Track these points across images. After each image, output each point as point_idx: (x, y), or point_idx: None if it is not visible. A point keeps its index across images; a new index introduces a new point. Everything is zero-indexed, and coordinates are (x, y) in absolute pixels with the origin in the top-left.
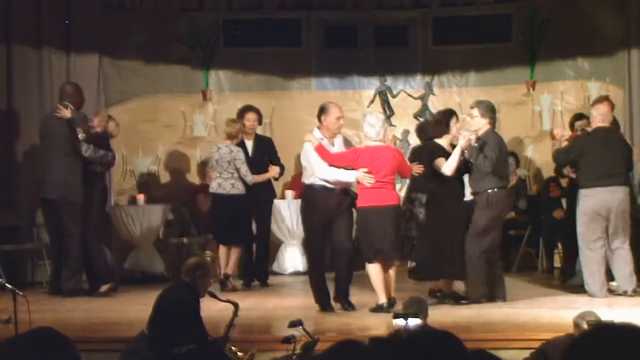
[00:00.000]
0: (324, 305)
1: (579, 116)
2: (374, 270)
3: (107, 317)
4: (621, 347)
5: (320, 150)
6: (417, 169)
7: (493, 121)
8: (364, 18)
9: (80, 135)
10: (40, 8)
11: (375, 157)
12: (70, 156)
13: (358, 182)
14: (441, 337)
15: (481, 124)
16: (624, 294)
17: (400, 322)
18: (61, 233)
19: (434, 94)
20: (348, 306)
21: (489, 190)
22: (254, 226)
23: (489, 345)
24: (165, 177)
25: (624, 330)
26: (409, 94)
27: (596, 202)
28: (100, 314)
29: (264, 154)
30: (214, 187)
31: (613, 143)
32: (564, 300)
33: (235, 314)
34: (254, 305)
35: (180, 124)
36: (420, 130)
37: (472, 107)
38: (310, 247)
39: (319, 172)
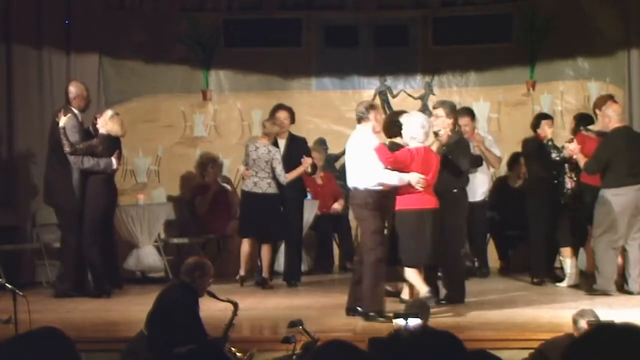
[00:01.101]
0: (379, 312)
1: (584, 116)
2: (411, 272)
3: (107, 317)
4: (622, 347)
5: (382, 150)
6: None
7: (456, 121)
8: (364, 18)
9: (65, 149)
10: (40, 8)
11: (426, 159)
12: (62, 162)
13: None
14: (441, 337)
15: (446, 124)
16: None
17: (400, 322)
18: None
19: (434, 94)
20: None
21: (455, 191)
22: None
23: (488, 345)
24: (165, 177)
25: (625, 331)
26: (409, 94)
27: (628, 200)
28: (100, 314)
29: (297, 153)
30: (248, 185)
31: (636, 141)
32: (564, 300)
33: (234, 313)
34: (254, 305)
35: (180, 124)
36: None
37: (435, 108)
38: (377, 254)
39: (377, 175)
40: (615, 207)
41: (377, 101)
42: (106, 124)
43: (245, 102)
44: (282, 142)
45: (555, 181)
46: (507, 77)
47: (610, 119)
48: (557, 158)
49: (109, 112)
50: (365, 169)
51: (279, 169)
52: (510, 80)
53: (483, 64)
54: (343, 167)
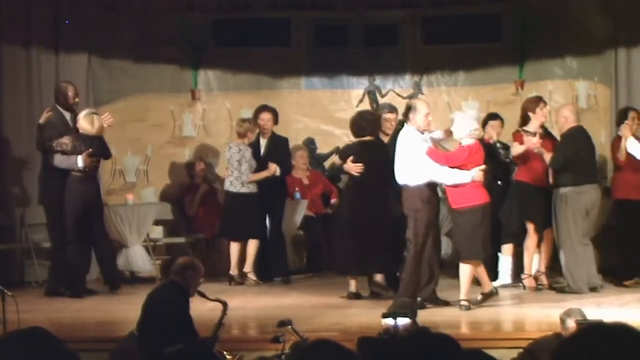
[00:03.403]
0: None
1: (493, 116)
2: (468, 269)
3: (96, 317)
4: (611, 347)
5: (434, 153)
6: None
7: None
8: (354, 17)
9: (36, 146)
10: (30, 7)
11: (481, 154)
12: (45, 160)
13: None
14: (436, 338)
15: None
16: (594, 290)
17: (389, 321)
18: None
19: (422, 94)
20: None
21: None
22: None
23: (477, 344)
24: (154, 177)
25: (614, 331)
26: (397, 93)
27: (589, 199)
28: (90, 313)
29: (276, 153)
30: (226, 185)
31: (591, 141)
32: (553, 299)
33: (224, 313)
34: (243, 304)
35: (169, 123)
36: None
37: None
38: (418, 249)
39: (433, 175)
40: (578, 205)
41: (366, 100)
42: (79, 122)
43: (234, 102)
44: (264, 142)
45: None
46: (496, 76)
47: (566, 119)
48: (507, 159)
49: (84, 111)
50: (409, 166)
51: (244, 167)
52: (499, 80)
53: (472, 63)
54: (332, 166)
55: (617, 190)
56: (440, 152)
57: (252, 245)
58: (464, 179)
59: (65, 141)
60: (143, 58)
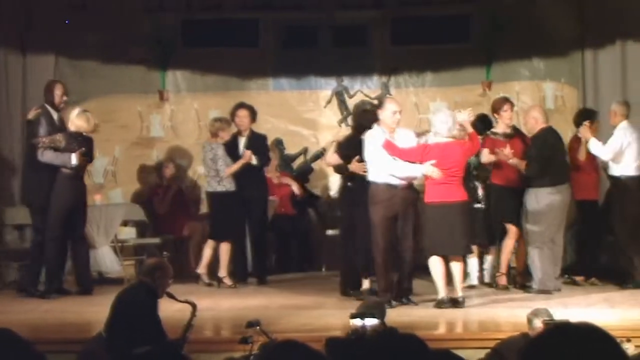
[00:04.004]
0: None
1: (483, 117)
2: (435, 263)
3: (64, 318)
4: (578, 347)
5: (389, 146)
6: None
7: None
8: (323, 18)
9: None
10: None
11: (444, 153)
12: (30, 158)
13: (426, 177)
14: (404, 338)
15: None
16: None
17: (357, 322)
18: None
19: (390, 94)
20: (408, 301)
21: None
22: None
23: (445, 344)
24: (122, 178)
25: (581, 331)
26: (365, 94)
27: (562, 199)
28: (58, 314)
29: (255, 149)
30: (205, 185)
31: (562, 142)
32: (521, 299)
33: (193, 314)
34: (211, 305)
35: (137, 124)
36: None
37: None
38: (377, 246)
39: (386, 168)
40: (553, 205)
41: (334, 101)
42: (73, 121)
43: (202, 103)
44: (242, 140)
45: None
46: (464, 77)
47: (536, 120)
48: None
49: (76, 110)
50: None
51: (219, 164)
52: (467, 81)
53: (440, 64)
54: (300, 167)
55: (576, 192)
56: (395, 146)
57: (225, 248)
58: (416, 173)
59: (59, 138)
60: (111, 58)
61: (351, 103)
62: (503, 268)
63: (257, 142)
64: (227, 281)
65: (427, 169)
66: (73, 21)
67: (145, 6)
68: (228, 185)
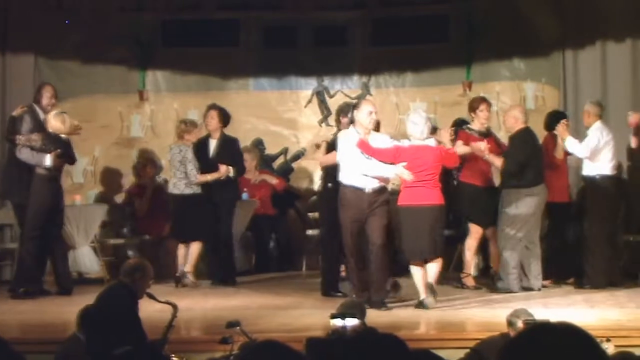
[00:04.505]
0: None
1: (461, 122)
2: (414, 269)
3: (42, 319)
4: (557, 347)
5: (363, 145)
6: None
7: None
8: (303, 18)
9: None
10: None
11: (417, 156)
12: (12, 154)
13: (402, 180)
14: (384, 338)
15: None
16: (538, 290)
17: (337, 322)
18: None
19: (371, 95)
20: (382, 306)
21: None
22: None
23: (425, 345)
24: (102, 178)
25: (560, 330)
26: (346, 94)
27: (541, 200)
28: (36, 315)
29: (227, 154)
30: (170, 187)
31: (538, 143)
32: (501, 299)
33: (174, 315)
34: (191, 305)
35: (117, 124)
36: None
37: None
38: (348, 249)
39: (358, 167)
40: (530, 207)
41: (315, 101)
42: (49, 122)
43: (182, 103)
44: (213, 142)
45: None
46: (444, 77)
47: (516, 119)
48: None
49: (53, 111)
50: (347, 162)
51: (189, 167)
52: (447, 81)
53: (420, 64)
54: (281, 167)
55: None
56: (369, 146)
57: (196, 247)
58: (388, 174)
59: (35, 138)
60: (91, 58)
61: (331, 103)
62: (468, 268)
63: (229, 147)
64: (191, 277)
65: (398, 170)
66: (52, 21)
67: (123, 6)
68: (195, 188)
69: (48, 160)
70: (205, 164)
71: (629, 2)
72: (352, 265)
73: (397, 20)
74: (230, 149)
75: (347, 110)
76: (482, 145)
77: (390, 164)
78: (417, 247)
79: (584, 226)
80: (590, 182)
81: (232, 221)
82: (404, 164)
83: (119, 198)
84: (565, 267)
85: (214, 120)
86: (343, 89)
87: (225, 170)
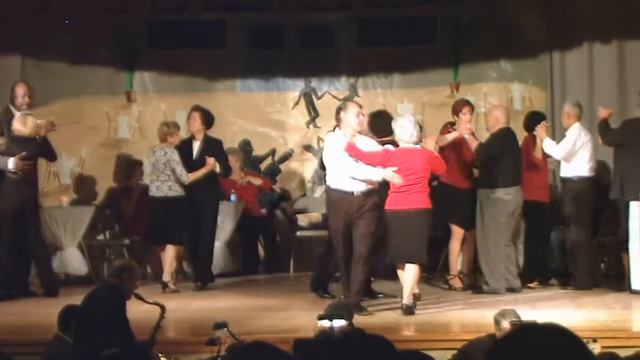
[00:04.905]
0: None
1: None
2: (401, 273)
3: (29, 320)
4: (544, 347)
5: (351, 148)
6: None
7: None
8: (290, 19)
9: None
10: None
11: (405, 159)
12: None
13: (392, 184)
14: (371, 339)
15: None
16: (512, 291)
17: (325, 323)
18: None
19: (358, 96)
20: (361, 310)
21: None
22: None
23: (413, 346)
24: (88, 179)
25: (547, 331)
26: (333, 95)
27: (518, 200)
28: (23, 316)
29: (210, 155)
30: (152, 189)
31: (518, 144)
32: (488, 300)
33: (162, 316)
34: (178, 306)
35: (104, 125)
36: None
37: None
38: (339, 254)
39: (347, 170)
40: (508, 207)
41: (302, 102)
42: (13, 124)
43: (170, 104)
44: (197, 144)
45: None
46: (431, 79)
47: (497, 119)
48: None
49: (18, 113)
50: (336, 166)
51: (179, 169)
52: (434, 82)
53: (407, 66)
54: (268, 168)
55: (526, 192)
56: (358, 149)
57: (170, 251)
58: (376, 177)
59: (0, 142)
60: (78, 60)
61: (319, 104)
62: (454, 270)
63: (213, 148)
64: (172, 285)
65: (388, 174)
66: (39, 23)
67: (109, 7)
68: (180, 190)
69: (10, 163)
70: (190, 165)
71: (614, 3)
72: (344, 271)
73: (384, 21)
74: (214, 150)
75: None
76: (467, 122)
77: (379, 167)
78: (404, 251)
79: (566, 228)
80: (567, 183)
81: (216, 222)
82: (394, 168)
83: (105, 199)
84: (546, 267)
85: (197, 122)
86: (331, 90)
87: (213, 162)
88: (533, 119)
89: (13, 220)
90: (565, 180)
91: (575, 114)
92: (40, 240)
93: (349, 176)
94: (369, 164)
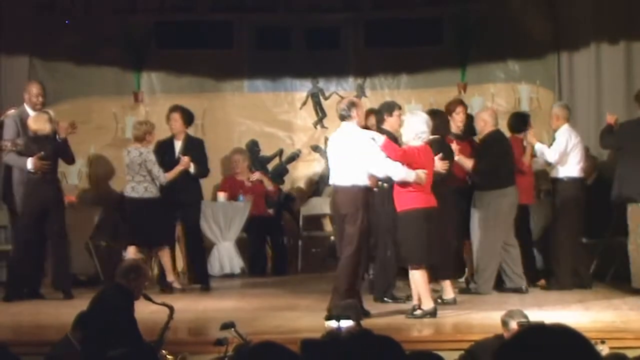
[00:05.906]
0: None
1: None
2: (419, 275)
3: (37, 320)
4: (552, 348)
5: (389, 146)
6: (443, 165)
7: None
8: (296, 20)
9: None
10: None
11: (428, 157)
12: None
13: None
14: (379, 340)
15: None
16: (519, 291)
17: (332, 324)
18: None
19: (366, 96)
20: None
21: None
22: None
23: (420, 346)
24: (96, 179)
25: (555, 332)
26: (341, 96)
27: (510, 201)
28: (31, 317)
29: (192, 155)
30: (127, 190)
31: (509, 145)
32: (495, 301)
33: (170, 317)
34: (185, 307)
35: (112, 125)
36: None
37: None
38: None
39: (387, 169)
40: (503, 208)
41: (310, 103)
42: (29, 124)
43: (178, 104)
44: (178, 144)
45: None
46: (439, 79)
47: (486, 122)
48: None
49: (35, 113)
50: (355, 164)
51: (155, 170)
52: (442, 83)
53: (414, 66)
54: (276, 168)
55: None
56: (396, 146)
57: (165, 254)
58: (410, 177)
59: (19, 142)
60: (85, 60)
61: (326, 105)
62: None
63: (194, 148)
64: (177, 285)
65: (419, 176)
66: (47, 23)
67: (117, 8)
68: (155, 192)
69: (29, 163)
70: (172, 166)
71: (621, 4)
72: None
73: (390, 22)
74: (195, 150)
75: (393, 107)
76: (453, 146)
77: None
78: (428, 252)
79: (551, 228)
80: (557, 184)
81: (200, 223)
82: (424, 171)
83: (113, 199)
84: (533, 268)
85: (177, 122)
86: (338, 90)
87: (187, 161)
88: (517, 120)
89: (32, 220)
90: (555, 181)
91: (564, 115)
92: (63, 238)
93: (385, 174)
94: (403, 163)
